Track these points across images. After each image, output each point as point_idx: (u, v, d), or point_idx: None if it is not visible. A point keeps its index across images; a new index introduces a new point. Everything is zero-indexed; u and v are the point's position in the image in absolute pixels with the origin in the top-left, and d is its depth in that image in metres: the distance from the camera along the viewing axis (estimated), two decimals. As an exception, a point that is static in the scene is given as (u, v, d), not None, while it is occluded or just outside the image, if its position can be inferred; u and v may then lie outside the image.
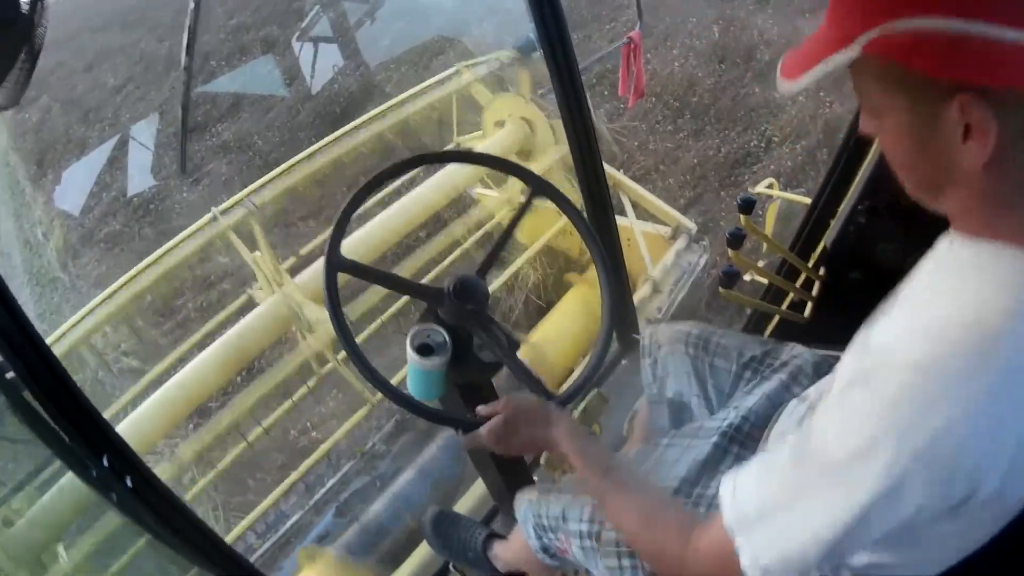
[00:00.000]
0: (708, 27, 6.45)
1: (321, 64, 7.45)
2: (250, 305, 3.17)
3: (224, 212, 2.99)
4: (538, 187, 1.44)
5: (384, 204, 3.37)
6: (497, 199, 3.83)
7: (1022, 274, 0.72)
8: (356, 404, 3.08)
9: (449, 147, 3.89)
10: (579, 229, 1.47)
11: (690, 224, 3.54)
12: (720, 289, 1.92)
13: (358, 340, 1.33)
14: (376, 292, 3.17)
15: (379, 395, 2.96)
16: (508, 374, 1.32)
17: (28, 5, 0.89)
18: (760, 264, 2.23)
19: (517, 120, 3.60)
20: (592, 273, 2.82)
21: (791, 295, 2.16)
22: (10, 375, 0.97)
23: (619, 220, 2.49)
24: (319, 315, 2.81)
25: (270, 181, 3.12)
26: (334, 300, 1.18)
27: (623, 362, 2.57)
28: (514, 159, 3.40)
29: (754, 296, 2.29)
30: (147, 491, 1.10)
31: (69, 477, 2.20)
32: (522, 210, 1.44)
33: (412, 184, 3.63)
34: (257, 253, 2.98)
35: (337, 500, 3.14)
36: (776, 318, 2.24)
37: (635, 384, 1.58)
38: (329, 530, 2.95)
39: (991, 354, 0.67)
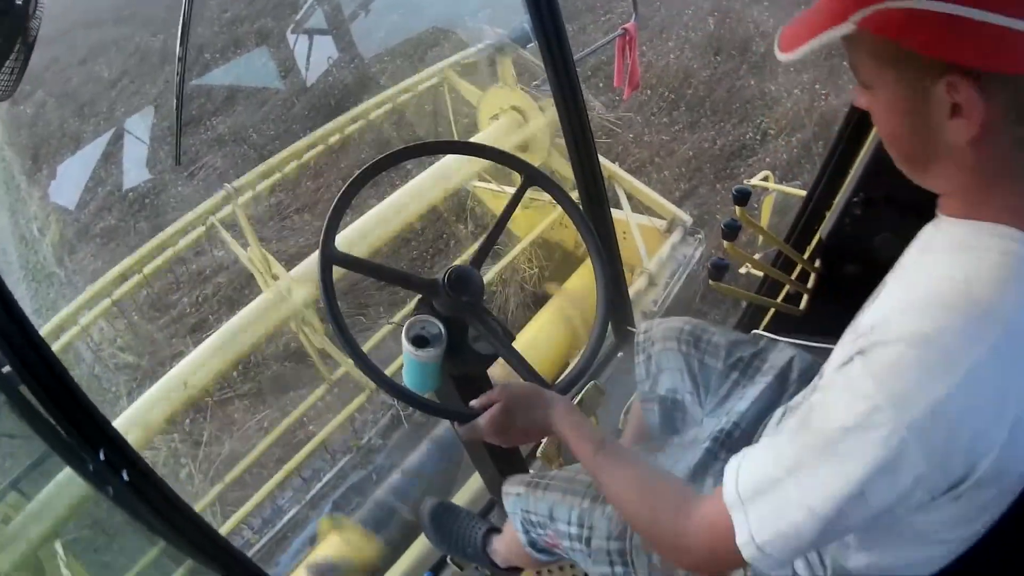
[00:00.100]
0: (704, 19, 6.45)
1: (316, 56, 7.40)
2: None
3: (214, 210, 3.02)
4: (532, 178, 1.44)
5: (380, 197, 3.37)
6: (496, 192, 3.84)
7: (1009, 245, 0.73)
8: (353, 397, 3.09)
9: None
10: (574, 220, 1.47)
11: (686, 217, 3.55)
12: (710, 282, 1.92)
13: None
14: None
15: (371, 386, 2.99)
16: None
17: (21, -3, 0.89)
18: (756, 256, 2.23)
19: (510, 112, 3.60)
20: (588, 266, 2.83)
21: (787, 287, 2.16)
22: (6, 370, 0.97)
23: (615, 213, 2.49)
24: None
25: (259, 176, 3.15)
26: (329, 293, 1.18)
27: (619, 355, 2.57)
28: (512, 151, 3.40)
29: (750, 288, 2.29)
30: (144, 485, 1.10)
31: (66, 472, 2.20)
32: (515, 201, 1.43)
33: (408, 177, 3.63)
34: (250, 248, 2.99)
35: (334, 494, 3.15)
36: (772, 310, 2.24)
37: (631, 376, 1.58)
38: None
39: (987, 322, 0.68)
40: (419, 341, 1.26)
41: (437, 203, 3.54)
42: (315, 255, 1.21)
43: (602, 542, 1.23)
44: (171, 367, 2.85)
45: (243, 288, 5.10)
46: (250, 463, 2.98)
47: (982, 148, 0.73)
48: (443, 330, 1.27)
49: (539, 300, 3.76)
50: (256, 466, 3.06)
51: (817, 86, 5.18)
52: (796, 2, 6.14)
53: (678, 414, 1.50)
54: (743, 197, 1.85)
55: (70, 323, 2.83)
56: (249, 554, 2.85)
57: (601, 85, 5.90)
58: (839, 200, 2.08)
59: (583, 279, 3.38)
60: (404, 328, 1.26)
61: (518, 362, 1.29)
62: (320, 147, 3.32)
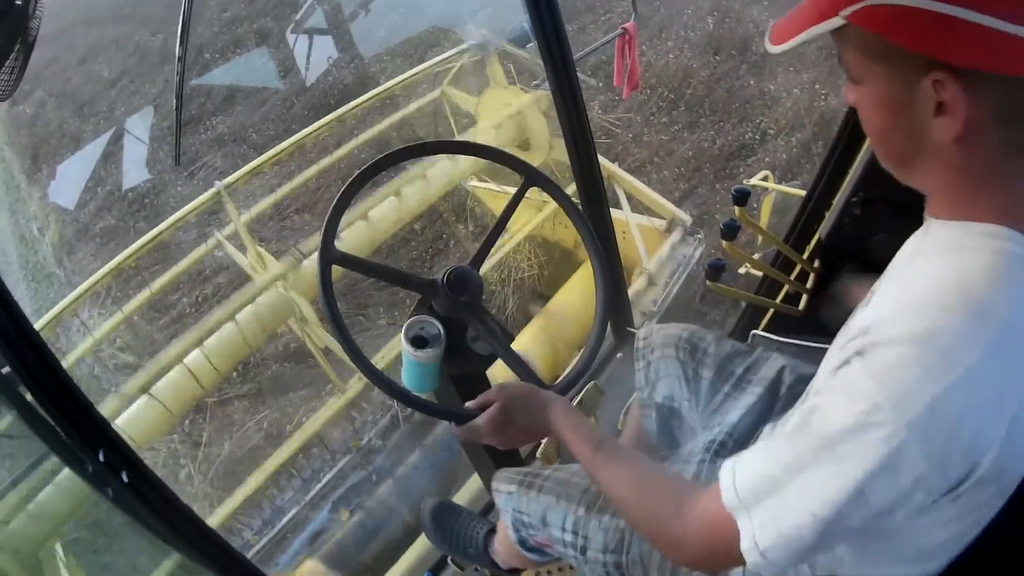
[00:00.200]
0: (703, 19, 6.45)
1: (315, 56, 7.42)
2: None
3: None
4: (532, 179, 1.43)
5: (379, 198, 3.38)
6: (496, 192, 3.84)
7: (1002, 244, 0.73)
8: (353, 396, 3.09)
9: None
10: (573, 220, 1.46)
11: (685, 217, 3.55)
12: (707, 282, 1.92)
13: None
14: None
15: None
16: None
17: (21, -3, 0.89)
18: (755, 256, 2.23)
19: (507, 111, 3.61)
20: (588, 267, 2.82)
21: (786, 287, 2.16)
22: (6, 371, 0.97)
23: (614, 213, 2.49)
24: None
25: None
26: (328, 293, 1.18)
27: (618, 355, 2.57)
28: (512, 151, 3.40)
29: (749, 288, 2.29)
30: (143, 486, 1.10)
31: (65, 474, 2.20)
32: (515, 202, 1.43)
33: (407, 177, 3.63)
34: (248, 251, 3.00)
35: (333, 495, 3.15)
36: (771, 310, 2.24)
37: (631, 377, 1.58)
38: (325, 526, 2.95)
39: (984, 321, 0.68)
40: (418, 341, 1.26)
41: (436, 203, 3.55)
42: (315, 255, 1.21)
43: (598, 554, 1.23)
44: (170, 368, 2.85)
45: (243, 288, 5.10)
46: (264, 479, 2.97)
47: (968, 147, 0.73)
48: (442, 331, 1.27)
49: (539, 300, 3.77)
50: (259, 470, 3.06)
51: (817, 86, 5.19)
52: (795, 2, 6.16)
53: (675, 422, 1.50)
54: (742, 198, 1.85)
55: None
56: (249, 555, 2.85)
57: (600, 85, 5.90)
58: (838, 200, 2.08)
59: (583, 279, 3.38)
60: (403, 328, 1.26)
61: (517, 363, 1.29)
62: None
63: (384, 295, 4.68)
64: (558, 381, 1.32)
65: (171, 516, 1.16)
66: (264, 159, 3.27)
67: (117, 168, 7.52)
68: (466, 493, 2.41)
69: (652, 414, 1.51)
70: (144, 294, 2.99)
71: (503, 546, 1.68)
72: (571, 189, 2.22)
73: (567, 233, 3.75)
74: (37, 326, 2.66)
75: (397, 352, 2.66)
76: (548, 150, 3.56)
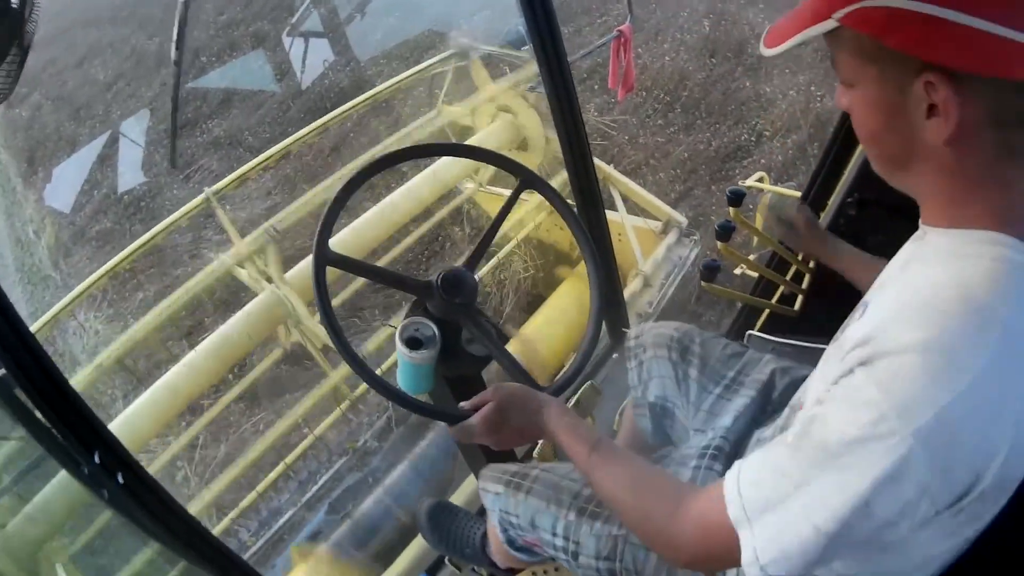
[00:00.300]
0: (699, 21, 6.45)
1: (311, 59, 7.41)
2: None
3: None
4: (528, 181, 1.44)
5: (375, 199, 3.38)
6: (491, 193, 3.84)
7: (1000, 251, 0.74)
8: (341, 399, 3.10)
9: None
10: (568, 222, 1.47)
11: (681, 218, 3.55)
12: (702, 283, 1.93)
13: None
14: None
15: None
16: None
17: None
18: (751, 258, 2.23)
19: (501, 114, 3.61)
20: (583, 268, 2.83)
21: (781, 288, 2.17)
22: (1, 373, 0.97)
23: (609, 214, 2.49)
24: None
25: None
26: (323, 294, 1.18)
27: (614, 356, 2.58)
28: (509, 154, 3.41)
29: (745, 289, 2.29)
30: (139, 488, 1.10)
31: (61, 476, 2.20)
32: (510, 204, 1.43)
33: (402, 179, 3.64)
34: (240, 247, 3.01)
35: (330, 497, 3.14)
36: (767, 311, 2.25)
37: (627, 378, 1.58)
38: (322, 527, 2.94)
39: (987, 327, 0.68)
40: (413, 343, 1.26)
41: (431, 205, 3.54)
42: (310, 257, 1.21)
43: (591, 560, 1.23)
44: (166, 370, 2.85)
45: (239, 292, 5.08)
46: (249, 465, 2.97)
47: (961, 149, 0.74)
48: (437, 332, 1.28)
49: (534, 302, 3.76)
50: (252, 468, 3.06)
51: (812, 88, 5.19)
52: (791, 4, 6.15)
53: (667, 421, 1.50)
54: (737, 199, 1.85)
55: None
56: (245, 557, 2.85)
57: (596, 87, 5.91)
58: (833, 201, 2.08)
59: (578, 281, 3.39)
60: (398, 330, 1.26)
61: (511, 364, 1.29)
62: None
63: (379, 297, 4.67)
64: (553, 383, 1.32)
65: (167, 518, 1.16)
66: (253, 164, 3.27)
67: (113, 171, 7.49)
68: (462, 494, 2.41)
69: (646, 413, 1.52)
70: (152, 313, 2.99)
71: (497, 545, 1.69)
72: (567, 191, 2.22)
73: (563, 235, 3.75)
74: (33, 328, 2.66)
75: (393, 354, 2.67)
76: (545, 148, 3.56)
